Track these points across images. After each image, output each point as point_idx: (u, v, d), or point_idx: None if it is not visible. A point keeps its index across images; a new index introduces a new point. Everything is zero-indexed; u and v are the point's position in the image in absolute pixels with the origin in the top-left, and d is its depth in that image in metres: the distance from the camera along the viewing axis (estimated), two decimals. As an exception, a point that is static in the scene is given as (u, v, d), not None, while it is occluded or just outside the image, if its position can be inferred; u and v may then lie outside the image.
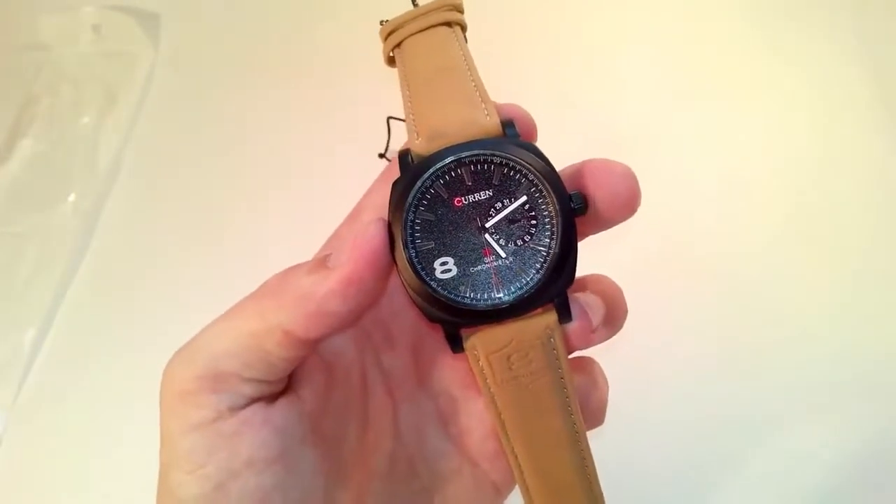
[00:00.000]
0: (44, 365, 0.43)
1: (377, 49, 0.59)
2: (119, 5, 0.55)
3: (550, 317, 0.19)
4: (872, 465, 0.36)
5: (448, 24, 0.22)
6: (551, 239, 0.19)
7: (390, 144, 0.43)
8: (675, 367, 0.39)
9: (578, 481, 0.21)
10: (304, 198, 0.47)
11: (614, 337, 0.21)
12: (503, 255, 0.19)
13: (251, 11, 0.56)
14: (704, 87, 0.49)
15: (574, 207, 0.19)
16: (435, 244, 0.19)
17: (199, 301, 0.44)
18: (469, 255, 0.19)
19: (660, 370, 0.39)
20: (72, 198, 0.48)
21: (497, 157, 0.19)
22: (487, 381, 0.20)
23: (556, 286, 0.19)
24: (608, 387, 0.22)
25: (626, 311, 0.21)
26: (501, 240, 0.19)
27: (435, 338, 0.23)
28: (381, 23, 0.23)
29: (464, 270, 0.19)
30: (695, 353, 0.39)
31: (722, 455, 0.37)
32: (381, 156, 0.43)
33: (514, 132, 0.19)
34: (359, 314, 0.19)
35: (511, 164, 0.19)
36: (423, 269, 0.19)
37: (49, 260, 0.45)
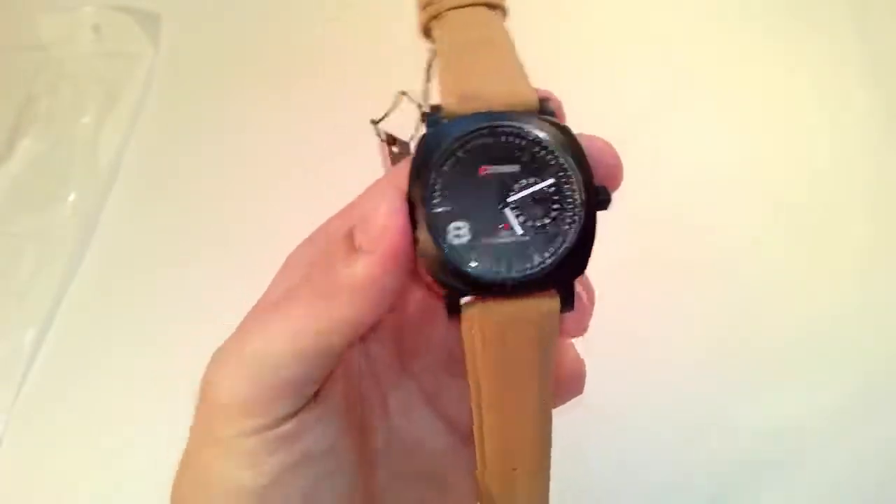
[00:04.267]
0: (44, 365, 0.43)
1: (379, 50, 0.59)
2: (119, 5, 0.55)
3: (553, 303, 0.19)
4: (873, 465, 0.36)
5: (490, 5, 0.22)
6: (570, 227, 0.19)
7: (390, 120, 0.40)
8: (667, 363, 0.39)
9: (539, 461, 0.21)
10: (304, 198, 0.47)
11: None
12: (520, 231, 0.19)
13: (252, 11, 0.56)
14: (702, 85, 0.49)
15: (600, 199, 0.19)
16: (452, 207, 0.19)
17: (199, 301, 0.45)
18: (485, 226, 0.19)
19: (651, 366, 0.39)
20: (72, 198, 0.48)
21: (532, 133, 0.19)
22: (476, 351, 0.19)
23: (565, 274, 0.19)
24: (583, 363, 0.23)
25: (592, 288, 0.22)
26: (521, 217, 0.19)
27: (422, 316, 0.23)
28: None
29: (476, 239, 0.19)
30: (689, 350, 0.39)
31: (715, 457, 0.37)
32: (375, 122, 0.39)
33: (549, 110, 0.19)
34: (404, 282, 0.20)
35: (544, 143, 0.19)
36: (436, 229, 0.19)
37: (49, 260, 0.45)
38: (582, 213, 0.19)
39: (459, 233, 0.19)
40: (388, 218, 0.18)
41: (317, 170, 0.48)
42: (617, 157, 0.20)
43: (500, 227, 0.19)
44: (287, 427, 0.19)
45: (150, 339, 0.43)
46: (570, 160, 0.19)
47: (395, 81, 0.57)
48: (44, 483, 0.39)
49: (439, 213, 0.19)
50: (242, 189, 0.48)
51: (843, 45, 0.48)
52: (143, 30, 0.54)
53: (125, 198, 0.49)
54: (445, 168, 0.19)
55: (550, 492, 0.22)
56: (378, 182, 0.21)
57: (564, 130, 0.19)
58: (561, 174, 0.19)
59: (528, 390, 0.20)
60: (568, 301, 0.19)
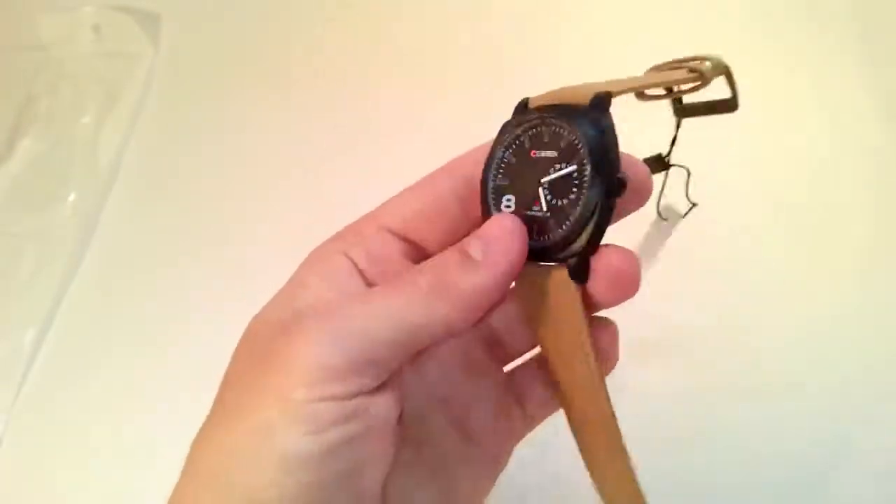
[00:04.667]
0: (44, 365, 0.43)
1: (378, 50, 0.59)
2: (119, 5, 0.55)
3: (562, 273, 0.21)
4: (878, 468, 0.36)
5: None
6: (576, 208, 0.21)
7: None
8: (666, 363, 0.39)
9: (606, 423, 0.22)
10: (304, 198, 0.47)
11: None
12: (544, 208, 0.22)
13: (251, 12, 0.56)
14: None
15: (610, 188, 0.21)
16: (509, 182, 0.23)
17: (198, 301, 0.45)
18: (525, 200, 0.22)
19: (649, 367, 0.39)
20: (72, 198, 0.48)
21: (566, 126, 0.22)
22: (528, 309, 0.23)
23: (571, 250, 0.21)
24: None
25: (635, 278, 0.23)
26: (548, 195, 0.22)
27: None
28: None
29: (518, 210, 0.22)
30: (688, 350, 0.39)
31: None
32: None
33: (597, 107, 0.21)
34: None
35: (574, 134, 0.21)
36: (494, 198, 0.23)
37: (49, 260, 0.45)
38: (585, 196, 0.21)
39: (509, 203, 0.22)
40: (511, 239, 0.21)
41: (317, 170, 0.48)
42: (649, 186, 0.23)
43: (533, 202, 0.22)
44: (361, 400, 0.20)
45: (150, 338, 0.43)
46: (589, 151, 0.21)
47: (396, 81, 0.57)
48: (44, 483, 0.39)
49: (499, 185, 0.23)
50: (242, 189, 0.48)
51: (843, 45, 0.48)
52: (143, 30, 0.54)
53: (125, 198, 0.49)
54: (510, 151, 0.23)
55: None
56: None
57: (598, 125, 0.21)
58: (584, 161, 0.21)
59: (567, 355, 0.22)
60: (576, 273, 0.21)
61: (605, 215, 0.21)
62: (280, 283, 0.23)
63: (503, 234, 0.21)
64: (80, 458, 0.40)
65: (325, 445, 0.19)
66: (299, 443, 0.19)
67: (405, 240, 0.24)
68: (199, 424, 0.21)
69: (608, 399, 0.22)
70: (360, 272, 0.23)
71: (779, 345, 0.39)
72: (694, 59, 0.28)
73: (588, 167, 0.21)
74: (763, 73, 0.49)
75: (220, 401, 0.21)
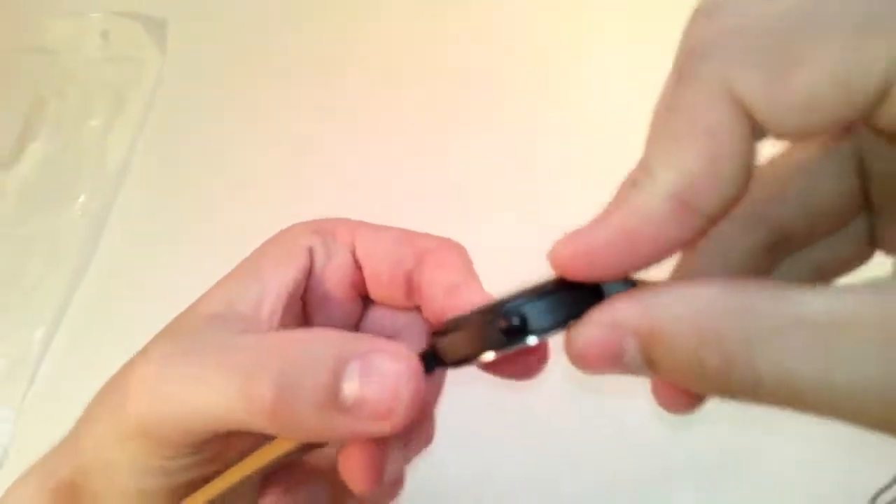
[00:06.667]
0: (52, 364, 0.43)
1: (382, 53, 0.59)
2: (126, 12, 0.56)
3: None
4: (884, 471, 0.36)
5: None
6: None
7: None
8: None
9: None
10: (311, 199, 0.48)
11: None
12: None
13: (257, 16, 0.57)
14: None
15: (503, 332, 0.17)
16: None
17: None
18: None
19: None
20: (81, 199, 0.48)
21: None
22: None
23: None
24: None
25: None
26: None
27: None
28: None
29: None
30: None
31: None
32: None
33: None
34: None
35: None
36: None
37: (58, 260, 0.46)
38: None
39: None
40: (407, 391, 0.15)
41: (323, 171, 0.49)
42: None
43: None
44: (188, 459, 0.20)
45: (158, 338, 0.44)
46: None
47: (401, 82, 0.57)
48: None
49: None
50: (249, 191, 0.49)
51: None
52: (150, 35, 0.55)
53: (133, 199, 0.49)
54: None
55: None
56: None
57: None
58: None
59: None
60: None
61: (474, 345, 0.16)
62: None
63: (396, 383, 0.15)
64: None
65: (165, 485, 0.20)
66: (136, 482, 0.20)
67: (360, 269, 0.23)
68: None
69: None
70: (311, 270, 0.22)
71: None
72: None
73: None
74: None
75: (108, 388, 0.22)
